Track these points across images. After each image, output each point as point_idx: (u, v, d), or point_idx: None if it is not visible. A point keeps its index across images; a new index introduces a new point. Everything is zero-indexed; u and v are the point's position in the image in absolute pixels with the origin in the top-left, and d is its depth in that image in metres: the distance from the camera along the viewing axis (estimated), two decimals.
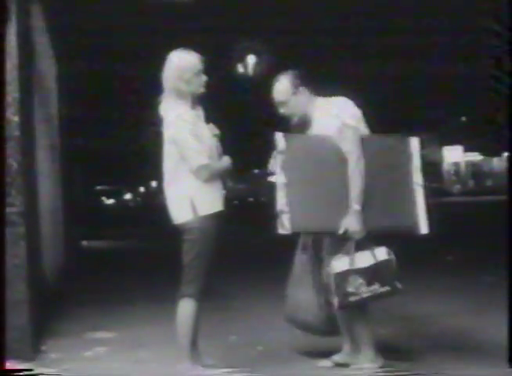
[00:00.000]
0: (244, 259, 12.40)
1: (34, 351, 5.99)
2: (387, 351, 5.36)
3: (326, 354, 5.54)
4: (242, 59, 21.98)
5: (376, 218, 5.11)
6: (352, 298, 5.04)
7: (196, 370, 5.12)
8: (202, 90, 5.18)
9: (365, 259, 5.08)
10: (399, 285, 5.12)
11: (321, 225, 5.17)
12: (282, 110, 5.47)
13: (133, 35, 15.56)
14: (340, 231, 5.04)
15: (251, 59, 21.94)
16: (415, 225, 5.21)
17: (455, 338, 6.18)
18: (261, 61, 21.49)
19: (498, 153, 51.35)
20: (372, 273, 5.06)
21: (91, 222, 22.00)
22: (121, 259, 14.74)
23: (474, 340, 6.11)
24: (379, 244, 5.14)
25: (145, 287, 9.73)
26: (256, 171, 53.47)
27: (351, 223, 5.05)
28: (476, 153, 55.09)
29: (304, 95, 5.42)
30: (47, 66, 10.07)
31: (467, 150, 54.81)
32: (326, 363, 5.46)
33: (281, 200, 5.09)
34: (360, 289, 5.04)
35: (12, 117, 5.87)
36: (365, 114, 5.36)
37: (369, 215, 5.07)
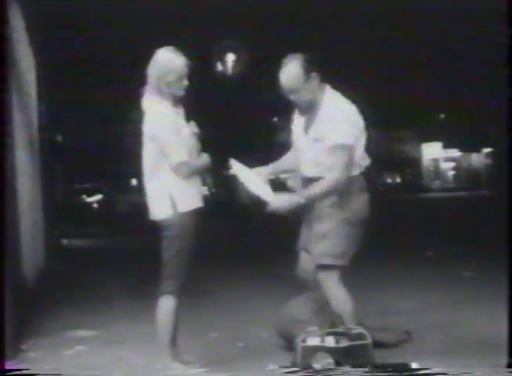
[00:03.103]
0: (223, 255, 12.37)
1: (13, 350, 5.94)
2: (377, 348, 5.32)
3: None
4: (221, 58, 21.95)
5: None
6: None
7: (177, 367, 5.12)
8: (181, 94, 5.14)
9: (338, 340, 4.82)
10: (375, 370, 4.74)
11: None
12: (291, 97, 5.16)
13: (113, 32, 15.49)
14: (269, 200, 5.02)
15: (230, 58, 21.93)
16: None
17: (437, 332, 6.19)
18: (240, 59, 21.47)
19: (477, 150, 51.66)
20: (343, 355, 4.75)
21: (72, 220, 21.91)
22: (101, 257, 14.69)
23: (457, 333, 6.12)
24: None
25: (125, 285, 9.70)
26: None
27: (283, 200, 5.03)
28: (455, 150, 55.36)
29: (315, 81, 5.11)
30: (26, 61, 10.00)
31: (446, 146, 55.08)
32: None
33: None
34: (328, 369, 4.70)
35: None
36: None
37: None
